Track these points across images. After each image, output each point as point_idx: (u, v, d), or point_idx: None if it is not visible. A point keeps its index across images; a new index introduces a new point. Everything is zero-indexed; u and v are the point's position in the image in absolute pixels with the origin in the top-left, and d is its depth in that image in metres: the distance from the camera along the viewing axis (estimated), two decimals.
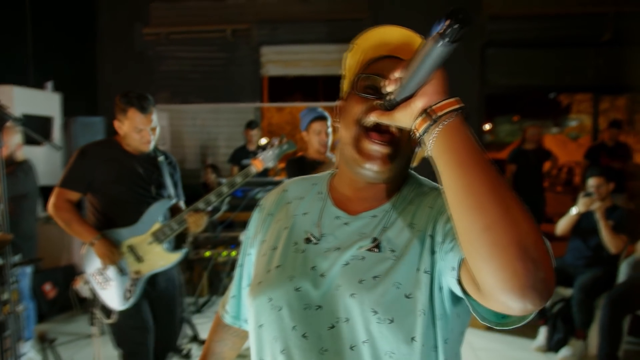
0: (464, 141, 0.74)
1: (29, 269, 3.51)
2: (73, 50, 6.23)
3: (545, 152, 6.05)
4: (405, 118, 0.80)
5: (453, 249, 0.80)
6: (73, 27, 6.29)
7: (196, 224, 2.43)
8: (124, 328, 2.45)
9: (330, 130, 3.47)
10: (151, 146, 2.51)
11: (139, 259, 2.45)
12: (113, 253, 2.39)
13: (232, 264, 4.84)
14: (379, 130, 0.90)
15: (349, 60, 1.00)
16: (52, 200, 2.45)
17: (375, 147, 0.90)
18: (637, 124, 13.17)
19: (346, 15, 6.37)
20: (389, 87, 0.81)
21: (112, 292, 2.43)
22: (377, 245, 0.91)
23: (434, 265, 0.87)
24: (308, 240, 0.98)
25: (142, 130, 2.44)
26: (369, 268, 0.90)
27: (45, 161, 4.86)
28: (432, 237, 0.89)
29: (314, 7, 6.42)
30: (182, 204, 2.73)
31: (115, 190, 2.45)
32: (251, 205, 4.50)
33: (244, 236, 1.15)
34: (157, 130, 2.51)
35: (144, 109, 2.42)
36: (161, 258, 2.48)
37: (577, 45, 6.25)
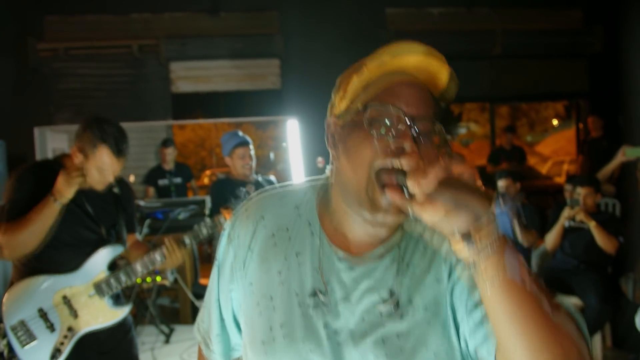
0: (520, 288, 0.66)
1: None
2: None
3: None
4: (433, 219, 0.67)
5: (483, 323, 0.77)
6: None
7: (172, 257, 2.13)
8: None
9: (253, 153, 3.54)
10: (105, 186, 2.13)
11: (74, 313, 2.07)
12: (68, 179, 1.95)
13: (157, 291, 4.60)
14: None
15: (354, 81, 0.85)
16: None
17: (392, 201, 0.76)
18: (519, 130, 14.62)
19: (257, 30, 6.39)
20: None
21: (35, 351, 2.01)
22: (396, 303, 0.82)
23: (457, 326, 0.82)
24: (313, 294, 0.86)
25: (104, 172, 2.05)
26: (391, 332, 0.81)
27: None
28: (452, 290, 0.83)
29: (224, 23, 6.36)
30: (138, 236, 2.43)
31: (57, 231, 2.03)
32: (173, 227, 4.33)
33: (215, 265, 1.01)
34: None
35: (119, 152, 2.04)
36: (101, 314, 2.11)
37: (470, 59, 6.81)
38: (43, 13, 6.05)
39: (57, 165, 2.09)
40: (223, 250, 0.98)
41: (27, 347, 2.00)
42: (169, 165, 5.68)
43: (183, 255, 2.19)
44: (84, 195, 2.11)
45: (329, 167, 0.95)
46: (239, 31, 6.37)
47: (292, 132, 4.93)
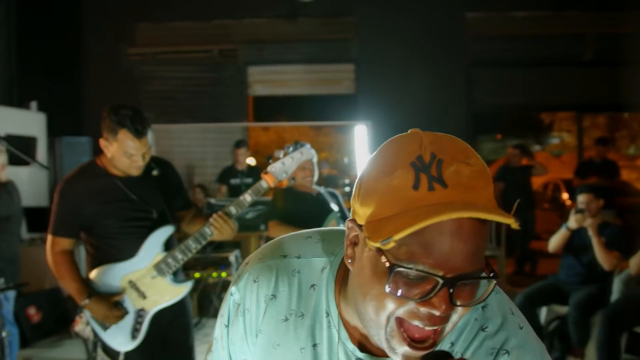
0: None
1: (12, 294, 3.38)
2: (58, 70, 6.14)
3: (529, 167, 6.10)
4: None
5: None
6: (58, 46, 6.21)
7: (221, 230, 2.15)
8: None
9: (314, 165, 3.41)
10: (140, 170, 2.18)
11: (142, 295, 2.21)
12: (109, 311, 2.14)
13: (222, 285, 4.74)
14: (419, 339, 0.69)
15: (376, 201, 0.69)
16: (47, 247, 2.21)
17: (414, 353, 0.69)
18: (618, 142, 13.47)
19: (333, 36, 6.43)
20: None
21: (116, 332, 2.19)
22: None
23: None
24: None
25: (133, 156, 2.10)
26: None
27: (30, 182, 4.75)
28: None
29: (301, 28, 6.47)
30: (194, 209, 2.51)
31: (107, 224, 2.16)
32: (241, 226, 4.44)
33: (223, 325, 0.91)
34: (152, 151, 2.22)
35: (138, 133, 2.06)
36: (166, 292, 2.23)
37: (559, 65, 6.39)
38: (135, 21, 6.51)
39: (95, 167, 2.21)
40: (231, 317, 0.90)
41: (108, 330, 2.18)
42: (241, 166, 5.85)
43: (233, 227, 2.21)
44: (125, 183, 2.18)
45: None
46: (315, 36, 6.45)
47: (361, 137, 4.89)
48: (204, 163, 6.83)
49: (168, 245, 2.26)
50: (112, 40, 6.50)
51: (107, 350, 2.23)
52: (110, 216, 2.17)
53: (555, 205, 8.54)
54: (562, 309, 3.81)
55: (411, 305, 0.67)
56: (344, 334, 0.81)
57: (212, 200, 4.96)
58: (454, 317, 0.69)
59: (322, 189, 3.63)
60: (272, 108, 6.99)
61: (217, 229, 2.16)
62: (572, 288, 3.82)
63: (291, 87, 6.79)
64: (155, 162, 2.29)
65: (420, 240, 0.64)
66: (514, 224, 0.62)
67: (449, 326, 0.69)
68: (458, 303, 0.66)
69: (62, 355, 3.92)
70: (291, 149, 2.28)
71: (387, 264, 0.65)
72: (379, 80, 6.17)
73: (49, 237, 2.19)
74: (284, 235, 0.92)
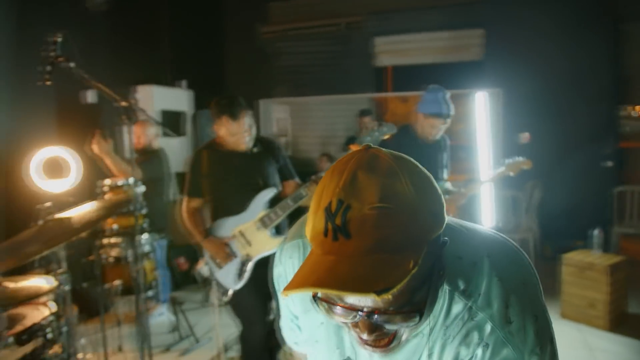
0: None
1: (163, 242, 4.03)
2: (203, 51, 6.88)
3: None
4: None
5: None
6: (203, 30, 6.95)
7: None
8: (240, 305, 2.72)
9: (443, 127, 3.22)
10: (247, 145, 2.69)
11: (248, 242, 2.68)
12: (220, 249, 2.65)
13: None
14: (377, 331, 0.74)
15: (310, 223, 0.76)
16: (182, 206, 2.79)
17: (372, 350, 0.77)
18: None
19: (458, 0, 6.20)
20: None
21: (227, 272, 2.70)
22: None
23: None
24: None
25: (236, 134, 2.63)
26: None
27: (179, 151, 5.49)
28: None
29: None
30: (298, 181, 2.91)
31: (224, 187, 2.71)
32: None
33: (280, 296, 1.07)
34: (253, 129, 2.70)
35: (234, 116, 2.58)
36: (267, 243, 2.67)
37: None
38: (267, 1, 6.98)
39: (215, 144, 2.77)
40: (279, 287, 1.04)
41: (221, 270, 2.70)
42: (364, 134, 5.98)
43: None
44: (237, 157, 2.71)
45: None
46: (442, 2, 6.28)
47: (482, 104, 4.72)
48: (334, 133, 7.14)
49: (271, 204, 2.71)
50: (249, 21, 7.05)
51: (221, 287, 2.71)
52: (227, 181, 2.69)
53: None
54: None
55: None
56: None
57: None
58: (399, 329, 0.74)
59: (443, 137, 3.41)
60: (397, 78, 7.00)
61: (311, 193, 2.53)
62: None
63: (417, 56, 6.72)
64: (260, 140, 2.79)
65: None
66: (375, 297, 0.64)
67: (402, 332, 0.76)
68: (385, 327, 0.72)
69: (203, 299, 4.55)
70: (376, 130, 2.67)
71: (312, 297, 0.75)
72: (508, 45, 5.84)
73: (184, 198, 2.78)
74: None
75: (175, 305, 3.82)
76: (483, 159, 4.75)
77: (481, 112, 4.72)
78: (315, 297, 0.75)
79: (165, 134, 4.79)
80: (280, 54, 7.08)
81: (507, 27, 5.87)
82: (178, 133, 5.69)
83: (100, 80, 2.25)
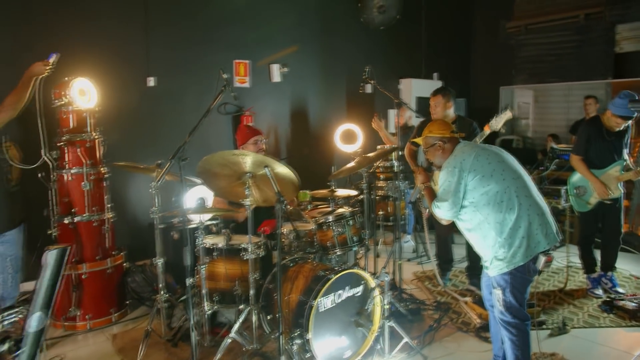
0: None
1: (411, 190, 5.77)
2: (453, 48, 8.36)
3: None
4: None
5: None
6: (454, 30, 8.41)
7: None
8: None
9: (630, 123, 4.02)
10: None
11: None
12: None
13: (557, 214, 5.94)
14: None
15: None
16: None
17: None
18: None
19: None
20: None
21: None
22: None
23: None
24: None
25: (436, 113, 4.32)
26: None
27: None
28: None
29: None
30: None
31: None
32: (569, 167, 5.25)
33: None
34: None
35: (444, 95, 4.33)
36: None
37: None
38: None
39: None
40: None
41: None
42: (588, 116, 6.45)
43: None
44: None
45: None
46: None
47: None
48: (569, 117, 7.79)
49: None
50: (494, 19, 8.22)
51: None
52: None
53: None
54: None
55: None
56: None
57: (554, 146, 6.13)
58: None
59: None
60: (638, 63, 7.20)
61: None
62: None
63: None
64: (460, 119, 4.19)
65: None
66: None
67: None
68: None
69: None
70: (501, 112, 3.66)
71: None
72: None
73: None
74: None
75: (416, 234, 5.58)
76: None
77: None
78: None
79: (417, 116, 6.51)
80: (522, 46, 8.06)
81: None
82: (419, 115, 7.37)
83: (377, 76, 3.97)
